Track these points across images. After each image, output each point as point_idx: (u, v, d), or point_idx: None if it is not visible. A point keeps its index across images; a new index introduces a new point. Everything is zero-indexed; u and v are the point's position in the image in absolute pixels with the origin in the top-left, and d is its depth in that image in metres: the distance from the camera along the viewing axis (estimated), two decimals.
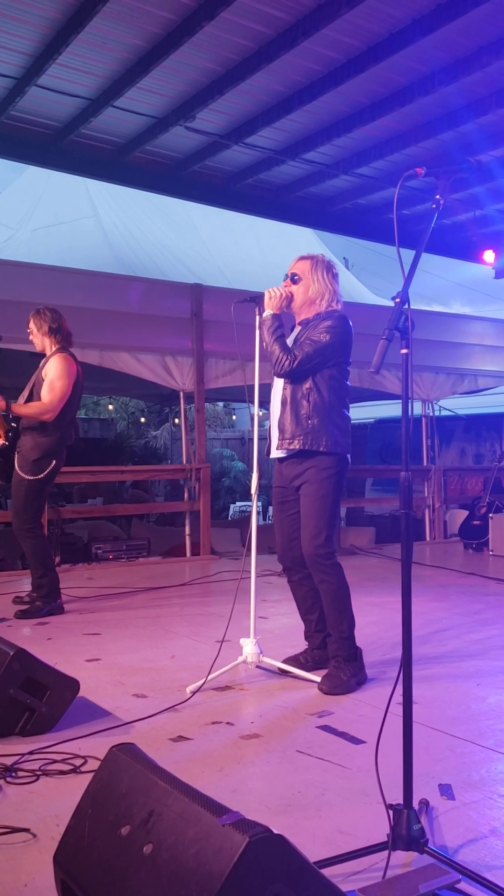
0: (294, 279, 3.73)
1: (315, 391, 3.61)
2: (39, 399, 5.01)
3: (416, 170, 2.29)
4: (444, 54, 6.15)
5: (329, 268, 3.75)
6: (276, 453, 3.76)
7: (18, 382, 5.58)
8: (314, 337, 3.60)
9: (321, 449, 3.58)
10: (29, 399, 5.06)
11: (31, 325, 5.21)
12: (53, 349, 5.16)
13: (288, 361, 3.58)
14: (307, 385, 3.62)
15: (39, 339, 5.20)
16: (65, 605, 5.27)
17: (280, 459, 3.78)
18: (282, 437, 3.67)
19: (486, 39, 5.93)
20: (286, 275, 3.76)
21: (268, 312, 3.70)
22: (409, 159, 7.98)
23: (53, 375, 5.02)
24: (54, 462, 5.07)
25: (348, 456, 3.69)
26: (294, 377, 3.63)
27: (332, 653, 3.63)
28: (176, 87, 6.71)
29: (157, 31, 5.87)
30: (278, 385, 3.77)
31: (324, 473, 3.62)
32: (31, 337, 5.23)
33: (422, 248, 2.25)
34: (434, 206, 2.29)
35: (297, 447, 3.61)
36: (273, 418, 3.79)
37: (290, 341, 3.70)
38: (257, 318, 3.78)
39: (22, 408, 4.96)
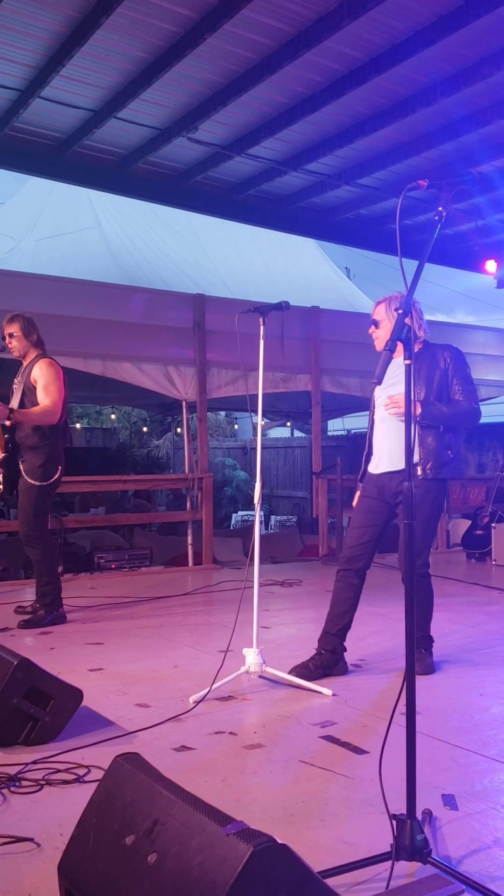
0: (376, 325, 3.97)
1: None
2: (33, 405, 5.01)
3: (419, 182, 2.30)
4: (445, 66, 6.18)
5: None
6: (385, 467, 3.89)
7: None
8: (462, 372, 3.87)
9: (431, 475, 3.84)
10: (21, 407, 5.05)
11: (15, 329, 5.13)
12: (35, 355, 5.16)
13: (476, 412, 3.89)
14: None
15: (23, 345, 5.15)
16: (67, 615, 5.27)
17: (380, 472, 3.92)
18: (422, 462, 3.82)
19: (487, 51, 5.97)
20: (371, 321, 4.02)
21: (417, 412, 3.76)
22: (411, 170, 8.02)
23: (46, 380, 5.01)
24: (60, 468, 5.10)
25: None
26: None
27: (417, 644, 3.92)
28: (179, 98, 6.75)
29: (160, 44, 5.91)
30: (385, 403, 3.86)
31: (431, 496, 3.87)
32: (10, 341, 5.15)
33: (424, 260, 2.26)
34: (437, 217, 2.30)
35: (430, 475, 3.81)
36: (382, 436, 3.93)
37: (395, 371, 3.76)
38: (261, 328, 3.81)
39: (26, 414, 4.95)
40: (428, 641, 4.13)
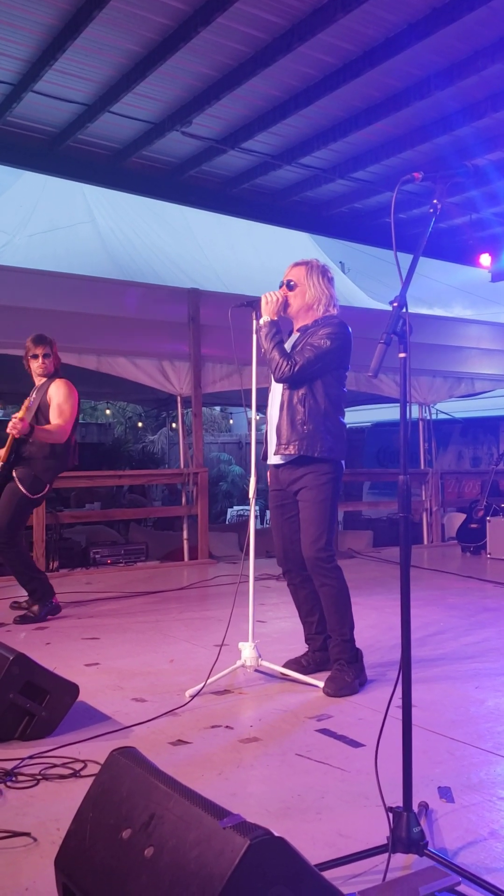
0: (290, 285, 3.74)
1: (311, 397, 3.63)
2: (47, 421, 5.03)
3: (414, 174, 2.29)
4: (439, 59, 6.17)
5: (324, 272, 3.77)
6: (273, 459, 3.77)
7: (15, 388, 5.56)
8: (315, 343, 3.61)
9: (315, 455, 3.61)
10: (35, 422, 5.05)
11: (53, 350, 5.20)
12: (52, 372, 5.20)
13: (288, 367, 3.59)
14: (303, 391, 3.64)
15: (53, 367, 5.21)
16: (63, 609, 5.26)
17: (275, 464, 3.79)
18: (278, 443, 3.69)
19: (480, 44, 5.95)
20: (282, 282, 3.78)
21: (265, 318, 3.71)
22: (405, 163, 8.00)
23: (60, 399, 5.05)
24: (48, 486, 5.09)
25: (342, 462, 3.71)
26: (294, 382, 3.65)
27: (335, 656, 3.65)
28: (172, 92, 6.72)
29: (154, 37, 5.89)
30: (276, 390, 3.78)
31: (321, 479, 3.64)
32: (45, 361, 5.15)
33: (419, 253, 2.26)
34: (431, 210, 2.30)
35: (293, 452, 3.63)
36: (271, 423, 3.80)
37: (288, 347, 3.71)
38: (254, 322, 3.79)
39: (41, 431, 4.96)
40: (348, 651, 3.63)
